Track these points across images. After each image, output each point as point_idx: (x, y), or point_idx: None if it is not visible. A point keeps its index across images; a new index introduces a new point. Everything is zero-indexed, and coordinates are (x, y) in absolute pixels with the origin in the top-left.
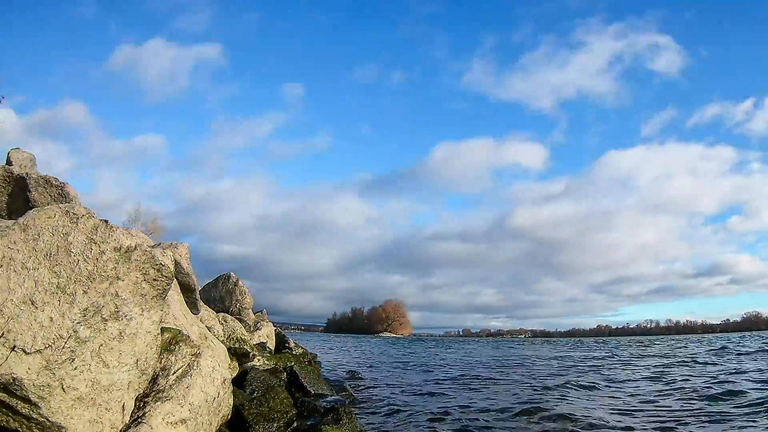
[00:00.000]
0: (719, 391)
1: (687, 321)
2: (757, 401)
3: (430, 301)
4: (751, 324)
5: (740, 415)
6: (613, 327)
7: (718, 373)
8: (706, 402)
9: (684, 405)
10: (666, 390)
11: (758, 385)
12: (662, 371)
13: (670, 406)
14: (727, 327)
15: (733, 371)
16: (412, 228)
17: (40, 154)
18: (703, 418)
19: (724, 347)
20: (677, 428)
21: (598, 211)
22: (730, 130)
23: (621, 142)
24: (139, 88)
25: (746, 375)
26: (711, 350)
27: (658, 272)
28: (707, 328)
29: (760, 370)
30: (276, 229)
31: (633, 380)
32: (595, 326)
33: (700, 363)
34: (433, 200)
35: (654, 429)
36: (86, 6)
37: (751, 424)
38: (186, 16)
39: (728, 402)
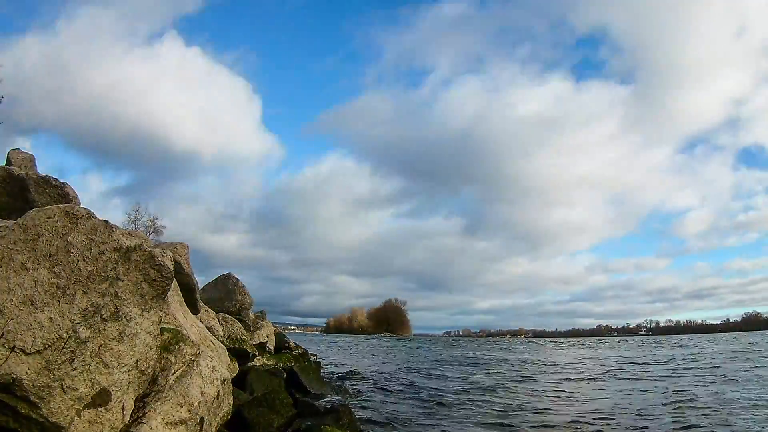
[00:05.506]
0: None
1: (687, 321)
2: None
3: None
4: (752, 324)
5: None
6: (613, 327)
7: None
8: None
9: None
10: None
11: None
12: None
13: None
14: (727, 327)
15: None
16: None
17: None
18: None
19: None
20: None
21: None
22: None
23: None
24: None
25: None
26: None
27: None
28: (707, 329)
29: None
30: None
31: None
32: (595, 326)
33: None
34: None
35: None
36: None
37: None
38: None
39: None
